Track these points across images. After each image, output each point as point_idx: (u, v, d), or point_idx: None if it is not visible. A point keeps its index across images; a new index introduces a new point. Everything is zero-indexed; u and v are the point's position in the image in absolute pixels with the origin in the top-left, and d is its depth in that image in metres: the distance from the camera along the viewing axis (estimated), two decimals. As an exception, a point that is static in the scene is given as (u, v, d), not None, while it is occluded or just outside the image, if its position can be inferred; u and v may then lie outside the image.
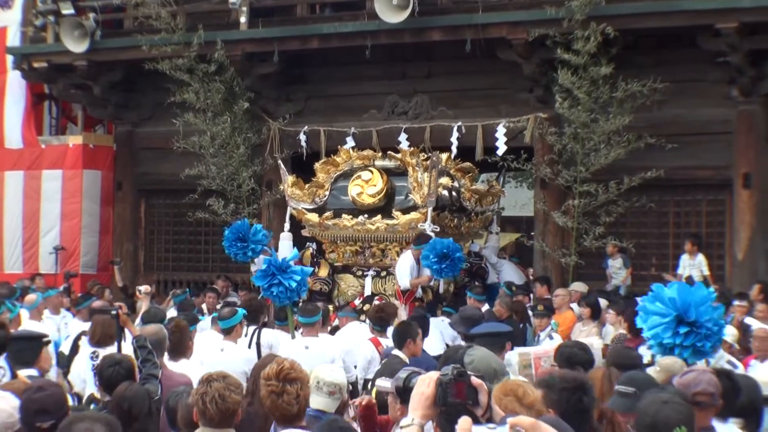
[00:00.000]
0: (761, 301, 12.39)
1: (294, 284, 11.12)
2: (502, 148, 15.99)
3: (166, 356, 8.90)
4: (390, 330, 10.95)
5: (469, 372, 3.49)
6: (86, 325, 11.43)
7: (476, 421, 3.27)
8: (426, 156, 14.29)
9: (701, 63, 15.21)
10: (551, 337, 11.70)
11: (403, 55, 17.28)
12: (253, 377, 7.07)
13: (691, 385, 5.64)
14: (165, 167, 18.78)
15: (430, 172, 13.69)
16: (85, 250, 19.41)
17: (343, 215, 14.30)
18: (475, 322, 9.94)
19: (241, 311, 10.36)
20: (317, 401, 6.24)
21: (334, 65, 17.62)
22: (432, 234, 13.56)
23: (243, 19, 17.20)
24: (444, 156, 14.56)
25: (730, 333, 9.98)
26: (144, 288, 13.15)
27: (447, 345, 11.27)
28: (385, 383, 4.36)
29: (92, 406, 7.34)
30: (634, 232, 15.85)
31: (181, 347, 9.00)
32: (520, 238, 20.09)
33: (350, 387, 8.26)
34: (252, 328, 11.01)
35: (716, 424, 5.69)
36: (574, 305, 13.57)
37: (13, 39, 19.70)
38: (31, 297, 13.18)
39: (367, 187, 14.25)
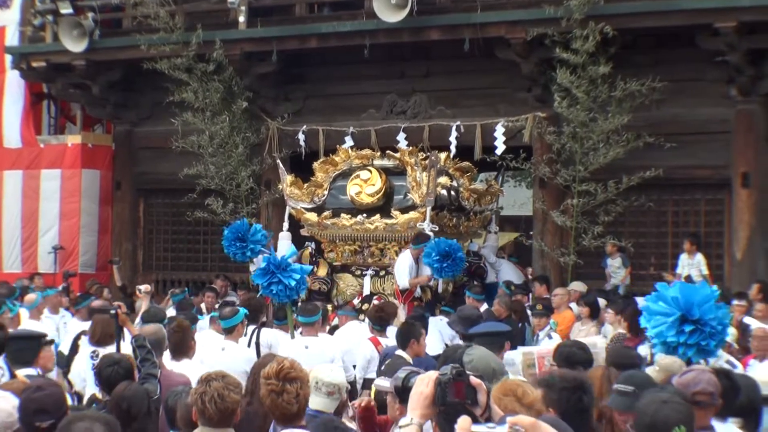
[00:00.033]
0: (760, 300, 12.40)
1: (293, 282, 11.13)
2: (500, 147, 15.99)
3: (168, 356, 8.92)
4: (390, 329, 10.98)
5: (467, 372, 3.49)
6: (85, 325, 11.45)
7: (475, 420, 3.27)
8: (425, 155, 14.30)
9: (700, 62, 15.21)
10: (550, 337, 11.70)
11: (402, 55, 17.28)
12: (252, 376, 7.07)
13: (691, 384, 5.64)
14: (164, 167, 18.77)
15: (428, 172, 13.69)
16: (84, 250, 19.41)
17: (342, 215, 14.30)
18: (473, 322, 9.94)
19: (243, 311, 10.36)
20: (316, 401, 6.25)
21: (333, 65, 17.61)
22: (431, 233, 13.56)
23: (241, 19, 17.20)
24: (443, 155, 14.55)
25: (729, 332, 9.98)
26: (144, 287, 13.16)
27: (446, 344, 11.27)
28: (384, 383, 4.36)
29: (93, 407, 7.33)
30: (633, 231, 15.85)
31: (183, 347, 9.00)
32: (519, 238, 20.11)
33: (348, 387, 8.27)
34: (251, 327, 11.01)
35: (715, 423, 5.69)
36: (573, 305, 13.58)
37: (12, 38, 19.70)
38: (31, 296, 13.19)
39: (365, 186, 14.25)
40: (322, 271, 14.47)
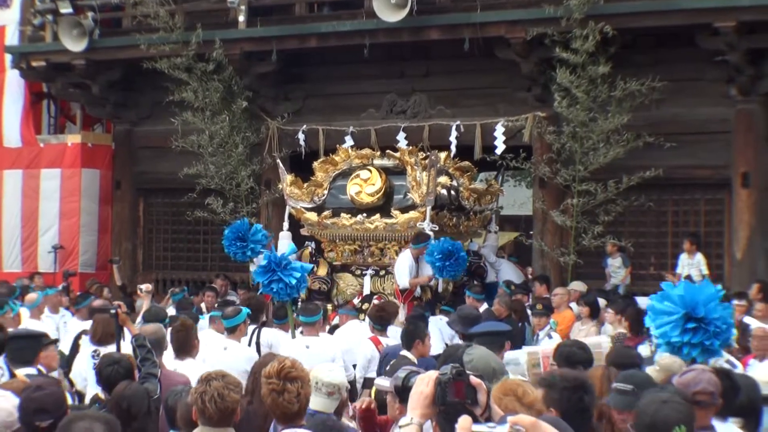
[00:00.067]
0: (760, 300, 12.40)
1: (294, 281, 11.13)
2: (500, 147, 15.99)
3: (172, 355, 8.93)
4: (390, 329, 10.98)
5: (467, 371, 3.49)
6: (85, 324, 11.47)
7: (475, 420, 3.27)
8: (424, 155, 14.29)
9: (700, 62, 15.21)
10: (550, 336, 11.69)
11: (402, 54, 17.28)
12: (252, 376, 7.07)
13: (691, 384, 5.64)
14: (163, 166, 18.77)
15: (428, 171, 13.69)
16: (84, 249, 19.41)
17: (342, 214, 14.30)
18: (472, 321, 9.95)
19: (245, 310, 10.37)
20: (316, 402, 6.24)
21: (333, 64, 17.61)
22: (431, 233, 13.56)
23: (241, 18, 17.19)
24: (442, 155, 14.54)
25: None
26: (145, 287, 13.17)
27: (446, 344, 11.26)
28: (384, 382, 4.36)
29: (96, 406, 7.34)
30: (633, 231, 15.85)
31: (187, 346, 9.01)
32: (519, 237, 20.11)
33: (348, 386, 8.27)
34: (252, 327, 11.01)
35: (716, 423, 5.69)
36: (573, 304, 13.58)
37: (12, 38, 19.70)
38: (32, 296, 13.19)
39: (365, 186, 14.25)
40: (322, 271, 14.46)
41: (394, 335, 11.00)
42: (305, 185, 14.85)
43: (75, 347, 11.03)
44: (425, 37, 16.23)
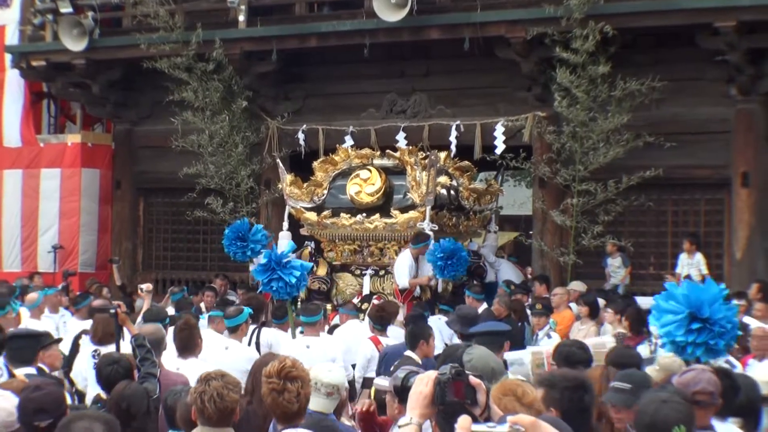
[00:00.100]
0: (760, 300, 12.39)
1: (293, 280, 11.13)
2: (500, 146, 15.98)
3: (175, 354, 8.94)
4: (390, 329, 10.99)
5: (467, 371, 3.49)
6: (85, 324, 11.46)
7: (474, 420, 3.27)
8: (424, 155, 14.29)
9: (700, 62, 15.20)
10: (549, 336, 11.70)
11: (402, 54, 17.28)
12: (251, 376, 7.06)
13: (691, 384, 5.64)
14: (163, 166, 18.77)
15: (428, 171, 13.69)
16: (84, 249, 19.41)
17: (342, 214, 14.30)
18: (471, 321, 9.96)
19: (247, 310, 10.38)
20: (314, 402, 6.23)
21: (333, 64, 17.61)
22: (430, 233, 13.56)
23: (241, 18, 17.19)
24: (442, 155, 14.55)
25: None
26: (146, 286, 13.16)
27: (445, 344, 11.27)
28: (383, 382, 4.37)
29: (98, 406, 7.34)
30: (633, 231, 15.85)
31: (190, 345, 9.02)
32: (519, 237, 20.12)
33: (347, 386, 8.26)
34: (252, 327, 11.01)
35: (715, 423, 5.69)
36: (573, 304, 13.58)
37: (12, 37, 19.69)
38: (32, 296, 13.18)
39: (365, 185, 14.25)
40: (322, 271, 14.47)
41: (393, 335, 11.02)
42: (305, 185, 14.85)
43: (75, 347, 11.02)
44: (425, 37, 16.22)
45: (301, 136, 17.45)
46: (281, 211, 15.88)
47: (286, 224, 15.24)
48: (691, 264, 14.73)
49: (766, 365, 8.99)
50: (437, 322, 12.13)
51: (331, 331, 11.97)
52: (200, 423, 5.44)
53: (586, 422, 5.12)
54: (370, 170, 14.37)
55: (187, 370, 8.36)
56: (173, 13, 17.53)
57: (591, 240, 15.26)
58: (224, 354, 9.71)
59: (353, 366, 10.82)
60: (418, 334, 9.24)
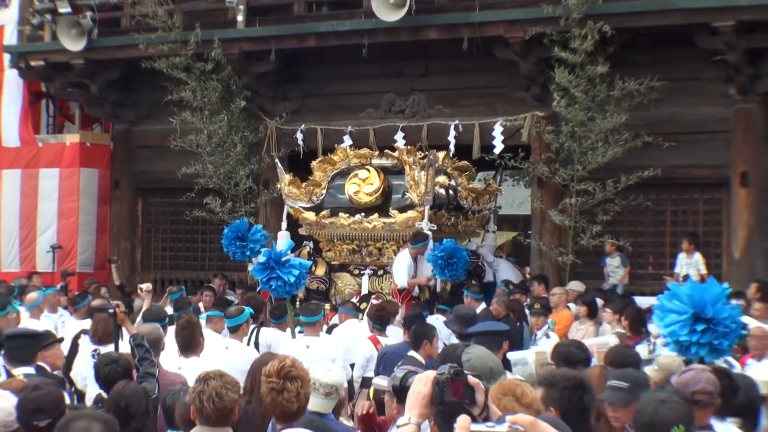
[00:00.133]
0: (758, 300, 12.38)
1: (292, 278, 11.12)
2: (499, 146, 15.97)
3: (177, 353, 8.94)
4: (389, 329, 10.98)
5: (465, 371, 3.48)
6: (83, 324, 11.46)
7: (473, 420, 3.27)
8: (423, 154, 14.28)
9: (698, 61, 15.20)
10: (548, 336, 11.69)
11: (400, 54, 17.27)
12: (250, 375, 7.06)
13: (690, 383, 5.64)
14: (162, 165, 18.76)
15: (427, 171, 13.69)
16: (82, 249, 19.41)
17: (340, 214, 14.30)
18: (469, 321, 9.95)
19: (248, 310, 10.37)
20: (312, 402, 6.22)
21: (331, 64, 17.60)
22: (429, 233, 13.56)
23: (240, 18, 17.18)
24: (441, 154, 14.54)
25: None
26: (146, 286, 13.16)
27: (444, 343, 11.26)
28: (382, 382, 4.36)
29: (98, 406, 7.34)
30: (631, 230, 15.85)
31: (192, 343, 9.03)
32: (517, 237, 20.14)
33: (346, 386, 8.25)
34: (251, 326, 11.01)
35: (714, 423, 5.69)
36: (571, 304, 13.58)
37: (11, 37, 19.69)
38: (32, 295, 13.17)
39: (364, 185, 14.25)
40: (321, 271, 14.47)
41: (392, 335, 11.01)
42: (303, 185, 14.85)
43: (74, 347, 11.01)
44: (424, 37, 16.22)
45: (299, 135, 17.44)
46: (280, 210, 15.87)
47: (284, 224, 15.25)
48: (690, 264, 14.73)
49: (765, 365, 8.99)
50: (435, 322, 12.10)
51: (329, 331, 11.95)
52: (199, 423, 5.44)
53: (585, 422, 5.12)
54: (368, 170, 14.37)
55: (189, 368, 8.35)
56: (172, 13, 17.53)
57: (589, 240, 15.26)
58: (225, 353, 9.70)
59: (352, 366, 10.80)
60: (421, 334, 9.22)
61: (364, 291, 14.07)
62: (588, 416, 5.24)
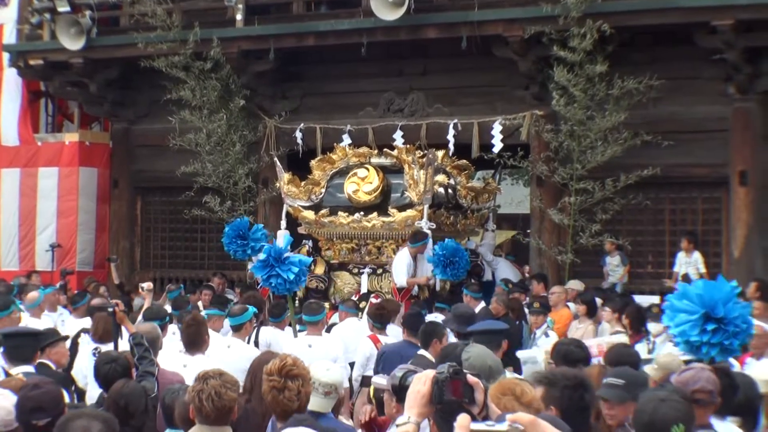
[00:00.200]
0: (758, 298, 12.38)
1: (292, 276, 11.12)
2: (498, 145, 15.96)
3: (182, 350, 8.95)
4: (390, 328, 10.98)
5: (465, 370, 3.48)
6: (83, 323, 11.48)
7: (473, 419, 3.26)
8: (422, 153, 14.28)
9: (697, 60, 15.19)
10: (547, 335, 11.70)
11: (399, 53, 17.26)
12: (250, 374, 7.06)
13: (690, 382, 5.64)
14: (161, 164, 18.76)
15: (426, 170, 13.69)
16: (82, 248, 19.41)
17: (339, 212, 14.30)
18: (467, 320, 9.94)
19: (252, 309, 10.36)
20: (312, 401, 6.21)
21: (330, 63, 17.60)
22: (428, 231, 13.56)
23: (239, 17, 17.18)
24: (440, 153, 14.55)
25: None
26: (147, 285, 13.17)
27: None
28: (381, 380, 4.36)
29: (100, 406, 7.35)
30: (631, 229, 15.84)
31: (198, 341, 9.04)
32: (517, 236, 20.15)
33: (345, 385, 8.25)
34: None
35: (714, 421, 5.69)
36: (571, 303, 13.58)
37: (10, 36, 19.70)
38: (33, 295, 13.18)
39: (363, 184, 14.25)
40: (320, 269, 14.47)
41: (393, 333, 11.01)
42: (302, 183, 14.86)
43: (74, 345, 11.03)
44: (423, 36, 16.21)
45: (298, 134, 17.43)
46: (279, 209, 15.88)
47: (283, 223, 15.26)
48: (689, 263, 14.74)
49: (764, 363, 8.99)
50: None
51: (328, 330, 11.95)
52: (198, 421, 5.44)
53: (585, 421, 5.11)
54: (367, 169, 14.37)
55: (194, 366, 8.35)
56: (170, 11, 17.52)
57: (589, 238, 15.26)
58: (227, 352, 9.70)
59: (351, 364, 10.80)
60: (431, 333, 9.19)
61: (364, 290, 14.07)
62: (588, 415, 5.23)
